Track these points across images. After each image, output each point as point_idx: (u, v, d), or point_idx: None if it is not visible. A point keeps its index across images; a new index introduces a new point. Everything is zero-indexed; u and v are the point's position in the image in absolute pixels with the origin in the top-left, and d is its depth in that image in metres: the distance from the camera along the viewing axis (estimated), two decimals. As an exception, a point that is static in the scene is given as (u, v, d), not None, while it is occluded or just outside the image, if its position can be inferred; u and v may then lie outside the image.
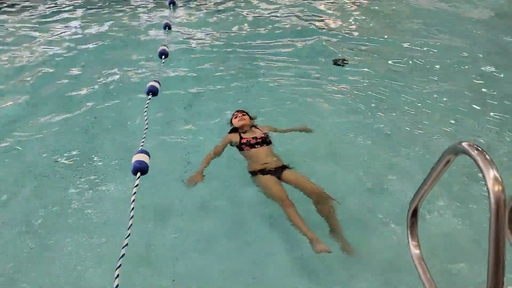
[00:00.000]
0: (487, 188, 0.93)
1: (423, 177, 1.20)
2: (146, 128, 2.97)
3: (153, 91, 3.52)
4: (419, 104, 4.16)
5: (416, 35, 5.87)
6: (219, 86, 4.48)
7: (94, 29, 5.96)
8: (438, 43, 5.64)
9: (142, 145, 2.63)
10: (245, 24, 6.18)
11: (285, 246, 2.66)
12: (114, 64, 4.90)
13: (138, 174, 2.18)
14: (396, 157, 3.40)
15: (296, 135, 3.57)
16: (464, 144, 1.03)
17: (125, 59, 5.06)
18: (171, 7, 6.65)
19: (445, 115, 3.99)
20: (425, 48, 5.47)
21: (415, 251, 1.42)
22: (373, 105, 4.17)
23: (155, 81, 3.52)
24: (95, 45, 5.46)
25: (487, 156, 0.97)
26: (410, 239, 1.43)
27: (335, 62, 5.01)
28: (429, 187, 1.30)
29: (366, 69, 4.91)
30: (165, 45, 4.30)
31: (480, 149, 0.99)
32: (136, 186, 2.10)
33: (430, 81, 4.63)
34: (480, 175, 0.91)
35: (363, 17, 6.67)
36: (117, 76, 4.63)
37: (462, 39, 5.76)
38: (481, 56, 5.20)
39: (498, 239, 0.95)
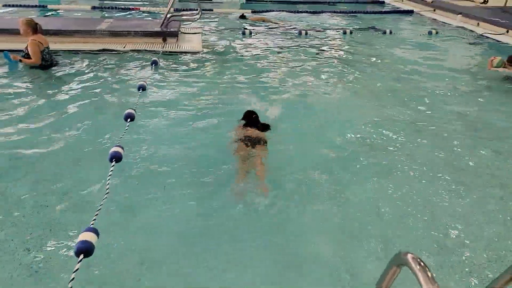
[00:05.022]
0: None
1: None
2: (105, 199, 2.89)
3: (116, 158, 3.49)
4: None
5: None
6: (188, 152, 4.42)
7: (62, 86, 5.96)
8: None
9: (94, 220, 2.53)
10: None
11: None
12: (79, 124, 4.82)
13: (81, 256, 2.07)
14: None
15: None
16: (409, 257, 1.01)
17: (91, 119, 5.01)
18: (153, 67, 6.77)
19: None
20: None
21: None
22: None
23: (118, 146, 3.51)
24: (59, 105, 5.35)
25: (429, 273, 0.95)
26: None
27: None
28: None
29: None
30: (132, 108, 4.35)
31: (422, 264, 0.97)
32: (75, 270, 1.98)
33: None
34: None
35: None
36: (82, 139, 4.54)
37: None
38: None
39: None
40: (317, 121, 5.26)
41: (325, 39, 9.72)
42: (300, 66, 7.57)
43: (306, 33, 9.94)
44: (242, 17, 11.72)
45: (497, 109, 5.86)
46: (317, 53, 8.51)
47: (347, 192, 3.77)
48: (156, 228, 3.26)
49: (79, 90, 5.83)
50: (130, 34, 8.00)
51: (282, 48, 8.77)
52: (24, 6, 11.63)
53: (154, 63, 6.74)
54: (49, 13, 11.38)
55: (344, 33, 10.16)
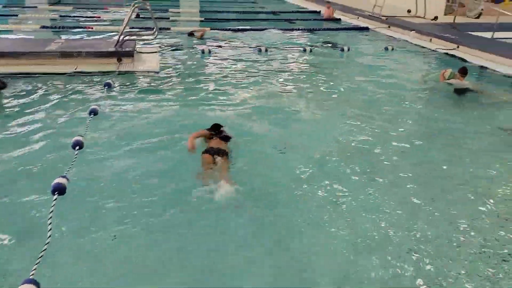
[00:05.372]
0: None
1: None
2: (48, 243, 2.61)
3: (59, 189, 3.23)
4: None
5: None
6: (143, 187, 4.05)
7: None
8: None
9: (34, 271, 2.25)
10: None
11: None
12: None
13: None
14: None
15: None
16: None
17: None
18: (106, 89, 6.45)
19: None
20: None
21: None
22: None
23: (62, 177, 3.26)
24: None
25: None
26: None
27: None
28: None
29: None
30: (81, 135, 4.11)
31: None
32: None
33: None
34: None
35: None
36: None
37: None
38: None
39: None
40: (281, 135, 5.27)
41: (285, 56, 9.78)
42: (262, 83, 7.53)
43: (266, 50, 9.96)
44: (190, 34, 11.56)
45: (450, 119, 6.10)
46: (279, 70, 8.52)
47: (307, 201, 3.83)
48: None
49: (25, 116, 5.46)
50: (82, 55, 7.65)
51: (243, 66, 8.72)
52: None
53: (107, 85, 6.45)
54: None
55: (304, 50, 10.26)
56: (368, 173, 4.38)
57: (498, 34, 10.76)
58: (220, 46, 10.51)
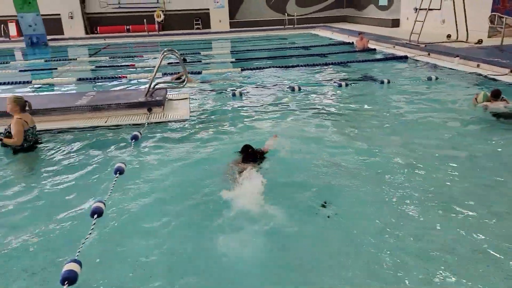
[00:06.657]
0: None
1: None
2: None
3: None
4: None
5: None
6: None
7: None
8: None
9: None
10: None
11: None
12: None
13: None
14: None
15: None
16: None
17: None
18: (133, 142, 6.21)
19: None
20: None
21: None
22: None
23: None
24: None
25: None
26: None
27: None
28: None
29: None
30: (101, 201, 3.85)
31: None
32: None
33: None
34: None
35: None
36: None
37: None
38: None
39: None
40: (324, 176, 5.06)
41: (320, 94, 9.34)
42: (297, 123, 7.12)
43: (300, 89, 9.58)
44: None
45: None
46: (314, 109, 8.06)
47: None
48: None
49: (48, 176, 5.29)
50: (112, 107, 7.57)
51: (276, 107, 8.35)
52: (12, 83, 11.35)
53: (135, 138, 6.21)
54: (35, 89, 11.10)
55: (340, 86, 9.80)
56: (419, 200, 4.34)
57: (556, 55, 9.88)
58: (251, 87, 10.26)
